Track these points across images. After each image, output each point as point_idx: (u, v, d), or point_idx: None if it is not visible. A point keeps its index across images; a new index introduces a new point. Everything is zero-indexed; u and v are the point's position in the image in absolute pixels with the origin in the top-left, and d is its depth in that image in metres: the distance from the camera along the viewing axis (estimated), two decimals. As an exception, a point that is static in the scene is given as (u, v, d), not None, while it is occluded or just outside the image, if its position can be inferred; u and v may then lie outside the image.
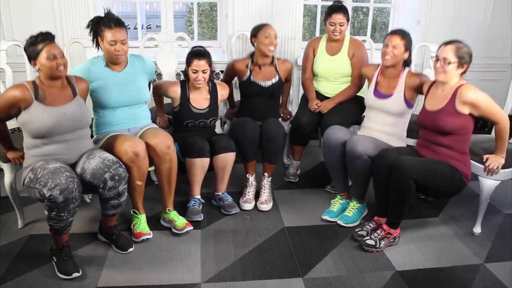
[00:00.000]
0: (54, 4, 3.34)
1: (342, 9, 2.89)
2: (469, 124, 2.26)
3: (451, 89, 2.27)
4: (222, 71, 3.73)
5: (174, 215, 2.48)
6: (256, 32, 2.83)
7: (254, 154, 2.75)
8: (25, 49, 2.07)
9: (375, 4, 4.18)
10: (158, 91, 2.76)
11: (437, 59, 2.27)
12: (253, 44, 2.89)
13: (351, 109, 2.97)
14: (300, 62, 3.56)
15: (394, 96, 2.55)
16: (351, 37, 3.04)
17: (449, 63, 2.22)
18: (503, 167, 2.36)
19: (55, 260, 2.10)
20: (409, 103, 2.54)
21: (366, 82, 2.94)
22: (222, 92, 2.77)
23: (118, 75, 2.44)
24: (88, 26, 2.40)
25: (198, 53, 2.58)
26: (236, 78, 3.05)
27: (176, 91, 2.66)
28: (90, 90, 2.39)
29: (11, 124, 2.50)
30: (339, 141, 2.56)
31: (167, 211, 2.49)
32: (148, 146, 2.31)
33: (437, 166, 2.26)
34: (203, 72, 2.57)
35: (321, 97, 3.05)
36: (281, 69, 2.93)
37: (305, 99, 3.13)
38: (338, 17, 2.87)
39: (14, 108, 2.04)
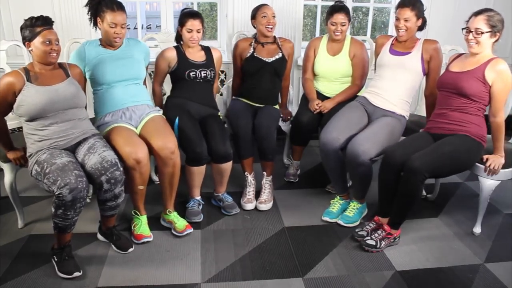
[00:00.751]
0: (54, 4, 3.34)
1: (344, 9, 2.89)
2: (486, 96, 2.26)
3: (483, 58, 2.26)
4: (222, 71, 3.74)
5: (174, 216, 2.48)
6: (254, 13, 2.92)
7: (248, 151, 2.74)
8: (21, 29, 2.10)
9: (375, 4, 4.17)
10: (157, 70, 2.73)
11: (469, 31, 2.24)
12: (254, 26, 2.96)
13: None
14: (300, 62, 3.56)
15: (412, 54, 2.58)
16: (352, 37, 3.04)
17: (482, 33, 2.20)
18: (503, 167, 2.36)
19: (55, 259, 2.10)
20: (424, 67, 2.55)
21: (365, 88, 2.95)
22: (216, 54, 2.80)
23: (113, 52, 2.45)
24: (87, 5, 2.41)
25: (192, 13, 2.64)
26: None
27: (172, 53, 2.69)
28: (86, 71, 2.41)
29: (11, 124, 2.51)
30: (335, 145, 2.52)
31: (167, 212, 2.49)
32: (152, 148, 2.31)
33: (447, 148, 2.22)
34: (197, 31, 2.62)
35: (321, 97, 3.05)
36: (284, 47, 2.98)
37: (305, 99, 3.12)
38: (340, 17, 2.87)
39: (11, 94, 2.07)
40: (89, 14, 2.43)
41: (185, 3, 4.30)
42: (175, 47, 2.74)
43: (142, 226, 2.38)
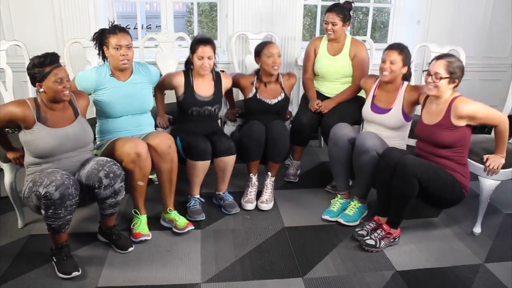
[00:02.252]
0: (54, 4, 3.34)
1: (335, 8, 2.89)
2: (466, 136, 2.27)
3: (445, 103, 2.27)
4: (222, 71, 3.73)
5: (175, 215, 2.48)
6: (259, 51, 2.82)
7: (258, 154, 2.75)
8: (28, 69, 2.05)
9: (375, 4, 4.18)
10: (161, 85, 2.75)
11: (429, 74, 2.26)
12: (257, 63, 2.88)
13: (352, 109, 2.96)
14: (300, 62, 3.56)
15: (393, 111, 2.56)
16: (352, 38, 3.04)
17: (440, 78, 2.22)
18: (503, 167, 2.36)
19: (55, 260, 2.10)
20: (407, 117, 2.56)
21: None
22: (226, 80, 2.79)
23: (122, 85, 2.45)
24: (93, 39, 2.42)
25: (203, 40, 2.60)
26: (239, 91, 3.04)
27: (180, 80, 2.68)
28: (94, 100, 2.42)
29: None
30: (346, 137, 2.57)
31: (167, 211, 2.49)
32: (149, 147, 2.32)
33: (440, 171, 2.26)
34: (209, 58, 2.59)
35: (321, 97, 3.05)
36: (287, 86, 2.93)
37: (305, 99, 3.13)
38: (330, 16, 2.89)
39: (12, 124, 2.07)
40: (96, 46, 2.44)
41: (185, 3, 4.30)
42: (185, 72, 2.71)
43: (141, 225, 2.39)
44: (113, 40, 2.34)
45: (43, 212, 1.96)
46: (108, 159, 2.14)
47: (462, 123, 2.23)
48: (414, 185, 2.20)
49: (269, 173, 2.82)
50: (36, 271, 2.11)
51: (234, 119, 3.10)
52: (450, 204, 2.39)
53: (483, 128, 2.50)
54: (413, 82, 2.75)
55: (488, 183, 2.41)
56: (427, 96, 2.40)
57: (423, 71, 2.31)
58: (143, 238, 2.34)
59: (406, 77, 2.58)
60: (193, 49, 2.62)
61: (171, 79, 2.69)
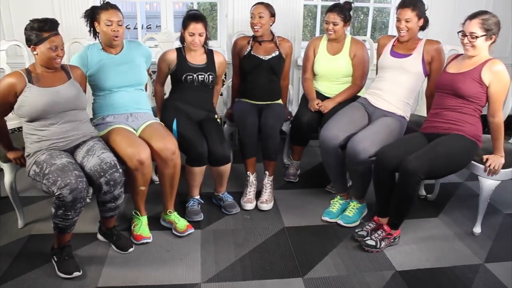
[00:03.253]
0: (54, 4, 3.34)
1: (336, 8, 2.90)
2: (483, 96, 2.27)
3: (480, 59, 2.27)
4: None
5: (175, 217, 2.48)
6: (250, 12, 2.93)
7: (253, 150, 2.75)
8: (26, 30, 2.07)
9: (375, 4, 4.17)
10: (159, 71, 2.74)
11: (464, 35, 2.25)
12: None
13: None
14: (300, 62, 3.56)
15: (413, 56, 2.57)
16: (352, 37, 3.04)
17: (477, 37, 2.21)
18: (503, 167, 2.36)
19: (55, 259, 2.10)
20: (425, 68, 2.55)
21: (364, 88, 2.96)
22: (218, 55, 2.78)
23: (114, 57, 2.47)
24: (84, 16, 2.45)
25: (195, 16, 2.60)
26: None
27: (172, 55, 2.69)
28: (88, 75, 2.42)
29: (11, 124, 2.51)
30: (334, 142, 2.53)
31: (167, 212, 2.49)
32: (152, 150, 2.30)
33: (442, 148, 2.22)
34: (200, 35, 2.60)
35: (321, 97, 3.05)
36: (282, 46, 2.99)
37: (305, 99, 3.12)
38: (332, 16, 2.89)
39: (11, 95, 2.06)
40: (87, 24, 2.45)
41: (185, 3, 4.30)
42: (177, 48, 2.73)
43: (142, 226, 2.38)
44: (104, 16, 2.35)
45: (52, 210, 1.97)
46: (112, 162, 2.10)
47: (488, 80, 2.22)
48: (417, 190, 2.20)
49: (267, 172, 2.82)
50: (36, 271, 2.11)
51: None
52: (467, 163, 2.37)
53: (483, 128, 2.50)
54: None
55: (488, 183, 2.41)
56: (455, 57, 2.41)
57: (458, 32, 2.29)
58: (144, 241, 2.34)
59: (423, 27, 2.60)
60: (184, 25, 2.63)
61: (164, 55, 2.70)
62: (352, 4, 3.03)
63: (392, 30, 4.12)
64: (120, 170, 2.12)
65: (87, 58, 2.42)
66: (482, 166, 2.38)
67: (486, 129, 2.36)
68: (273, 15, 2.93)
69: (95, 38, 2.50)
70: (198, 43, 2.61)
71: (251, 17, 2.89)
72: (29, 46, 2.09)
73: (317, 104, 2.94)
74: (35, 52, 2.08)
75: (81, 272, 2.07)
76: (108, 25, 2.36)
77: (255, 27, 2.89)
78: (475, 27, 2.21)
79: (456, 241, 2.46)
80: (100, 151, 2.13)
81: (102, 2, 2.43)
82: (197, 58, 2.71)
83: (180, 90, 2.71)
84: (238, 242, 2.39)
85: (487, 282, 2.12)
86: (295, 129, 3.02)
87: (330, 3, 3.04)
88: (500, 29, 2.25)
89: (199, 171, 2.56)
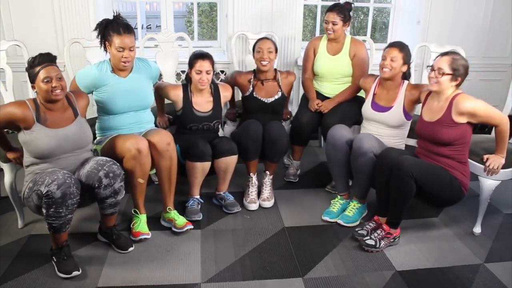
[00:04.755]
0: (54, 4, 3.34)
1: (336, 8, 2.90)
2: (467, 133, 2.26)
3: (446, 100, 2.27)
4: (222, 71, 3.75)
5: (174, 214, 2.48)
6: (253, 47, 2.85)
7: (256, 153, 2.75)
8: (26, 71, 2.07)
9: (375, 4, 4.18)
10: (160, 93, 2.76)
11: (432, 69, 2.27)
12: (254, 59, 2.89)
13: (352, 109, 2.96)
14: (300, 62, 3.56)
15: (394, 109, 2.56)
16: (352, 37, 3.04)
17: (443, 74, 2.22)
18: (503, 167, 2.36)
19: (55, 260, 2.10)
20: (408, 115, 2.55)
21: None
22: (225, 94, 2.78)
23: (123, 81, 2.44)
24: (96, 29, 2.39)
25: (201, 55, 2.60)
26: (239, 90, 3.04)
27: (178, 95, 2.66)
28: (95, 95, 2.42)
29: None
30: (343, 139, 2.57)
31: (167, 210, 2.49)
32: (149, 144, 2.32)
33: (437, 170, 2.26)
34: (207, 73, 2.58)
35: (321, 97, 3.05)
36: (284, 84, 2.93)
37: (305, 99, 3.13)
38: (331, 16, 2.89)
39: (12, 124, 2.07)
40: (98, 38, 2.40)
41: (185, 3, 4.30)
42: (183, 86, 2.71)
43: (141, 224, 2.39)
44: (116, 41, 2.31)
45: (44, 211, 1.96)
46: (108, 158, 2.14)
47: (463, 120, 2.22)
48: (411, 186, 2.20)
49: (267, 172, 2.82)
50: (36, 271, 2.11)
51: (234, 119, 3.11)
52: (449, 203, 2.39)
53: (483, 128, 2.50)
54: (413, 81, 2.75)
55: (488, 183, 2.41)
56: (428, 94, 2.41)
57: (427, 66, 2.31)
58: (142, 237, 2.34)
59: (406, 76, 2.58)
60: (191, 64, 2.61)
61: (169, 93, 2.68)
62: (352, 4, 3.03)
63: (392, 31, 4.13)
64: (118, 164, 2.14)
65: (96, 79, 2.40)
66: (482, 166, 2.38)
67: (486, 129, 2.36)
68: (277, 50, 2.86)
69: (106, 53, 2.45)
70: (205, 81, 2.59)
71: (258, 52, 2.78)
72: (32, 88, 2.08)
73: (317, 104, 2.94)
74: (35, 90, 2.07)
75: (80, 271, 2.06)
76: (119, 51, 2.32)
77: (263, 62, 2.79)
78: (444, 63, 2.22)
79: (456, 241, 2.46)
80: (95, 158, 2.17)
81: (114, 15, 2.38)
82: (204, 103, 2.69)
83: (184, 133, 2.70)
84: (238, 242, 2.39)
85: (487, 282, 2.12)
86: (295, 129, 3.02)
87: (330, 3, 3.04)
88: (467, 74, 2.25)
89: (200, 167, 2.55)
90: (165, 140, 2.36)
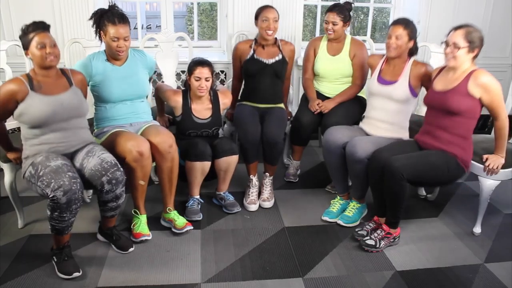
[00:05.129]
0: (54, 4, 3.34)
1: (336, 8, 2.90)
2: (477, 109, 2.25)
3: (463, 73, 2.25)
4: (222, 71, 3.74)
5: (174, 214, 2.48)
6: (257, 15, 2.89)
7: (255, 155, 2.76)
8: (19, 38, 2.08)
9: (375, 4, 4.18)
10: (160, 95, 2.76)
11: (447, 44, 2.25)
12: (256, 26, 2.93)
13: (352, 109, 2.96)
14: (300, 62, 3.56)
15: (399, 82, 2.54)
16: (352, 37, 3.04)
17: (459, 48, 2.20)
18: (503, 167, 2.36)
19: (55, 260, 2.10)
20: (413, 91, 2.53)
21: (365, 88, 2.95)
22: (224, 100, 2.79)
23: (119, 69, 2.45)
24: (91, 18, 2.40)
25: (200, 62, 2.61)
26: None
27: (177, 101, 2.67)
28: (91, 85, 2.41)
29: (10, 124, 2.51)
30: (338, 142, 2.55)
31: (167, 210, 2.49)
32: (151, 145, 2.32)
33: (429, 158, 2.24)
34: (206, 80, 2.58)
35: (321, 97, 3.05)
36: (284, 49, 2.96)
37: (305, 99, 3.12)
38: (331, 16, 2.90)
39: (12, 102, 2.04)
40: (94, 27, 2.41)
41: (185, 3, 4.30)
42: (183, 92, 2.71)
43: (141, 225, 2.38)
44: (111, 31, 2.31)
45: (48, 212, 1.96)
46: (113, 162, 2.10)
47: (477, 93, 2.21)
48: (403, 186, 2.20)
49: (267, 174, 2.83)
50: (36, 271, 2.11)
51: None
52: (449, 182, 2.39)
53: (483, 128, 2.50)
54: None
55: (488, 183, 2.41)
56: (440, 71, 2.40)
57: (441, 42, 2.30)
58: (143, 238, 2.34)
59: (412, 51, 2.56)
60: (190, 71, 2.61)
61: (169, 99, 2.68)
62: (352, 4, 3.03)
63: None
64: (121, 169, 2.13)
65: (92, 68, 2.40)
66: (482, 166, 2.38)
67: (486, 129, 2.36)
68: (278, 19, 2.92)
69: (101, 43, 2.46)
70: (204, 88, 2.59)
71: (264, 20, 2.81)
72: (26, 55, 2.08)
73: (317, 104, 2.94)
74: (28, 57, 2.07)
75: (80, 272, 2.06)
76: (114, 41, 2.33)
77: (269, 31, 2.82)
78: (458, 37, 2.20)
79: (456, 241, 2.46)
80: (100, 152, 2.13)
81: (110, 5, 2.39)
82: (203, 110, 2.70)
83: (184, 139, 2.70)
84: (238, 242, 2.39)
85: (487, 282, 2.12)
86: (295, 129, 3.02)
87: (330, 3, 3.04)
88: (483, 45, 2.23)
89: (200, 167, 2.55)
90: (167, 142, 2.35)
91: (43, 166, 1.99)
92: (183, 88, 2.76)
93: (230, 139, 2.71)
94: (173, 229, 2.45)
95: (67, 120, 2.12)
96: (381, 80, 2.60)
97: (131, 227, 2.40)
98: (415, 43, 2.54)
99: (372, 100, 2.67)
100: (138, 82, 2.49)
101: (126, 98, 2.45)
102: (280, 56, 2.94)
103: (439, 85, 2.35)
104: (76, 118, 2.16)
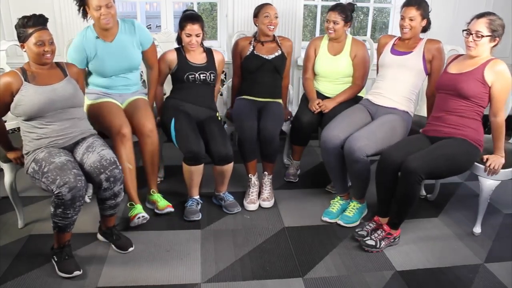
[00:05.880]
0: (54, 4, 3.34)
1: (338, 7, 2.90)
2: (486, 97, 2.26)
3: (481, 60, 2.26)
4: (222, 71, 3.73)
5: (157, 196, 2.60)
6: (257, 12, 2.92)
7: (253, 153, 2.75)
8: (15, 28, 2.08)
9: (375, 4, 4.17)
10: (161, 63, 2.76)
11: (469, 33, 2.24)
12: (255, 24, 2.96)
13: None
14: (300, 62, 3.56)
15: (414, 53, 2.58)
16: (353, 37, 3.04)
17: (482, 36, 2.20)
18: (503, 167, 2.36)
19: (55, 259, 2.10)
20: (425, 67, 2.55)
21: (365, 88, 2.96)
22: (218, 57, 2.82)
23: (110, 45, 2.54)
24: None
25: (191, 17, 2.63)
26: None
27: (172, 54, 2.72)
28: (89, 62, 2.53)
29: (10, 124, 2.51)
30: (335, 142, 2.53)
31: (151, 192, 2.62)
32: (132, 126, 2.47)
33: (445, 150, 2.23)
34: (197, 36, 2.63)
35: (322, 97, 3.04)
36: (283, 45, 3.00)
37: (305, 99, 3.12)
38: (333, 15, 2.90)
39: (8, 95, 2.05)
40: (78, 8, 2.47)
41: (185, 3, 4.31)
42: (176, 49, 2.75)
43: (137, 210, 2.46)
44: (93, 1, 2.37)
45: (51, 209, 1.97)
46: (112, 160, 2.12)
47: (490, 80, 2.21)
48: (418, 189, 2.20)
49: (266, 172, 2.82)
50: (36, 271, 2.11)
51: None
52: (469, 167, 2.37)
53: (483, 128, 2.49)
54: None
55: (488, 183, 2.41)
56: (455, 58, 2.40)
57: (463, 30, 2.29)
58: (140, 216, 2.40)
59: (426, 28, 2.60)
60: (181, 26, 2.64)
61: (163, 57, 2.74)
62: (355, 5, 3.02)
63: (392, 31, 4.12)
64: (120, 167, 2.14)
65: (84, 50, 2.49)
66: (482, 166, 2.38)
67: (486, 129, 2.36)
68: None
69: (86, 21, 2.52)
70: (195, 44, 2.64)
71: (266, 16, 2.86)
72: (21, 47, 2.10)
73: (317, 104, 2.94)
74: (24, 50, 2.09)
75: (81, 271, 2.07)
76: (97, 10, 2.38)
77: (270, 27, 2.88)
78: (481, 26, 2.20)
79: (456, 241, 2.46)
80: (100, 148, 2.14)
81: None
82: (197, 57, 2.73)
83: (181, 89, 2.73)
84: (238, 242, 2.39)
85: (487, 282, 2.12)
86: (295, 129, 3.02)
87: (331, 3, 3.04)
88: (504, 32, 2.24)
89: (195, 170, 2.55)
90: (146, 126, 2.50)
91: (47, 163, 2.00)
92: (176, 47, 2.79)
93: (226, 140, 2.63)
94: (155, 210, 2.57)
95: (63, 110, 2.13)
96: (395, 51, 2.64)
97: (129, 216, 2.46)
98: (428, 21, 2.57)
99: (383, 71, 2.69)
100: (130, 57, 2.60)
101: (119, 72, 2.59)
102: (280, 52, 2.96)
103: (453, 69, 2.36)
104: (72, 108, 2.17)
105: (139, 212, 2.42)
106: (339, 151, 2.54)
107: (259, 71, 2.93)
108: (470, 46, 2.24)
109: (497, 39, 2.22)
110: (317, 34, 4.17)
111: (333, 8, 2.92)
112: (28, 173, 2.10)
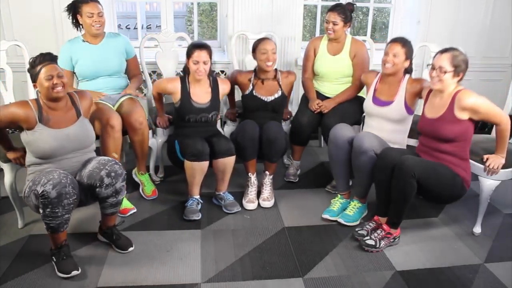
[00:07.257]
0: (54, 4, 3.34)
1: (337, 8, 2.89)
2: (468, 130, 2.26)
3: (449, 96, 2.27)
4: (222, 71, 3.74)
5: (145, 179, 2.82)
6: (254, 47, 2.84)
7: (253, 153, 2.75)
8: (28, 71, 2.11)
9: (375, 4, 4.18)
10: (158, 89, 2.77)
11: (433, 68, 2.26)
12: (254, 59, 2.88)
13: (352, 109, 2.97)
14: (300, 62, 3.55)
15: (395, 103, 2.55)
16: (353, 38, 3.04)
17: (445, 72, 2.21)
18: (503, 167, 2.36)
19: (54, 260, 2.10)
20: (410, 110, 2.55)
21: (365, 88, 2.95)
22: (223, 86, 2.79)
23: (94, 47, 2.73)
24: (67, 10, 2.70)
25: (199, 45, 2.62)
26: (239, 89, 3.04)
27: (175, 86, 2.68)
28: (74, 64, 2.70)
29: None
30: (345, 137, 2.57)
31: (140, 172, 2.81)
32: (123, 119, 2.58)
33: (439, 168, 2.26)
34: (204, 63, 2.59)
35: (321, 97, 3.05)
36: (284, 83, 2.92)
37: (305, 99, 3.12)
38: (332, 16, 2.89)
39: (14, 124, 2.08)
40: (70, 17, 2.70)
41: (185, 3, 4.30)
42: (181, 78, 2.72)
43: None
44: (86, 9, 2.63)
45: (41, 211, 1.96)
46: (110, 158, 2.15)
47: (465, 116, 2.22)
48: (413, 185, 2.20)
49: (267, 172, 2.82)
50: (36, 271, 2.11)
51: (234, 119, 3.10)
52: (451, 199, 2.39)
53: (483, 128, 2.50)
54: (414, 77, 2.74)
55: (488, 183, 2.41)
56: (430, 92, 2.40)
57: (427, 65, 2.31)
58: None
59: (408, 71, 2.58)
60: (188, 54, 2.62)
61: (167, 85, 2.72)
62: (354, 6, 3.02)
63: (392, 31, 4.13)
64: (120, 164, 2.15)
65: (70, 51, 2.70)
66: (482, 166, 2.38)
67: (486, 129, 2.36)
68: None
69: (78, 30, 2.76)
70: (203, 71, 2.59)
71: (263, 53, 2.75)
72: (34, 87, 2.11)
73: (317, 104, 2.94)
74: (37, 89, 2.10)
75: (79, 270, 2.06)
76: (89, 17, 2.63)
77: (268, 63, 2.77)
78: (444, 61, 2.21)
79: (456, 241, 2.46)
80: (97, 158, 2.18)
81: None
82: (202, 95, 2.69)
83: (183, 127, 2.73)
84: (238, 242, 2.39)
85: (487, 282, 2.12)
86: (295, 129, 3.02)
87: (330, 3, 3.04)
88: (467, 68, 2.24)
89: (198, 167, 2.55)
90: (137, 119, 2.61)
91: (39, 174, 2.03)
92: (181, 74, 2.78)
93: (228, 138, 2.70)
94: (140, 192, 2.79)
95: (73, 152, 2.16)
96: (376, 101, 2.61)
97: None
98: (411, 63, 2.56)
99: (368, 119, 2.70)
100: (113, 58, 2.77)
101: (103, 74, 2.74)
102: (280, 93, 2.90)
103: (428, 112, 2.37)
104: (83, 149, 2.19)
105: (130, 208, 2.60)
106: (348, 147, 2.56)
107: (258, 111, 2.89)
108: (434, 81, 2.25)
109: (461, 74, 2.22)
110: (317, 34, 4.17)
111: (332, 9, 2.91)
112: (25, 196, 2.09)
